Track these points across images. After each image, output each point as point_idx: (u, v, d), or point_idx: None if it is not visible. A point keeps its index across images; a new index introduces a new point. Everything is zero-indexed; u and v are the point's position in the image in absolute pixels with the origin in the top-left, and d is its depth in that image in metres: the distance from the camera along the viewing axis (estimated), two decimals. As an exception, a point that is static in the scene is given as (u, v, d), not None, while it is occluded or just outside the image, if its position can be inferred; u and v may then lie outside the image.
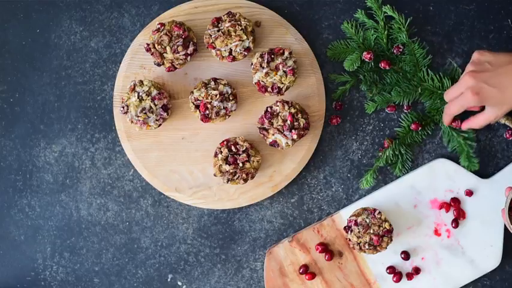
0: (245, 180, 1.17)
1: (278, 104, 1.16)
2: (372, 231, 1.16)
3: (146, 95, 1.15)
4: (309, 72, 1.22)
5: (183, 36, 1.15)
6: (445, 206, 1.22)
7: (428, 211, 1.23)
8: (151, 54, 1.16)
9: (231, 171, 1.16)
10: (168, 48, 1.15)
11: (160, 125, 1.18)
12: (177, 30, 1.15)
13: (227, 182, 1.17)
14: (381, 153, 1.23)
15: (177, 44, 1.15)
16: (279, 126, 1.16)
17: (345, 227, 1.20)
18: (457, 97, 1.12)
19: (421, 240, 1.23)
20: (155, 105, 1.16)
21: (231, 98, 1.17)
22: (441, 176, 1.23)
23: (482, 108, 1.15)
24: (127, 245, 1.26)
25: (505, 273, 1.26)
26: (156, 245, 1.26)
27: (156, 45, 1.15)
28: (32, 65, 1.25)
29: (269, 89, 1.17)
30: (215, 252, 1.26)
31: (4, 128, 1.26)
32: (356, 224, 1.17)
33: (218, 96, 1.16)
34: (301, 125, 1.16)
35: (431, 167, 1.24)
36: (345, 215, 1.23)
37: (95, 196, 1.26)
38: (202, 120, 1.17)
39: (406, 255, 1.22)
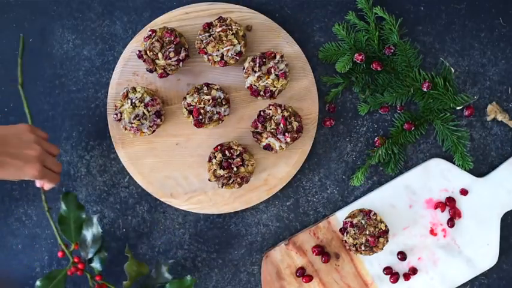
0: (240, 185, 1.17)
1: (271, 107, 1.17)
2: (367, 233, 1.17)
3: (139, 101, 1.16)
4: (301, 75, 1.22)
5: (174, 42, 1.16)
6: (441, 205, 1.23)
7: (424, 211, 1.23)
8: (144, 61, 1.17)
9: (225, 175, 1.16)
10: (159, 55, 1.16)
11: (154, 131, 1.18)
12: (169, 36, 1.15)
13: (222, 186, 1.17)
14: (373, 153, 1.23)
15: (169, 50, 1.16)
16: (272, 130, 1.16)
17: (340, 229, 1.20)
18: None
19: (417, 240, 1.23)
20: (148, 111, 1.16)
21: (223, 103, 1.17)
22: (436, 176, 1.23)
23: None
24: (124, 251, 1.26)
25: (502, 271, 1.26)
26: (153, 251, 1.26)
27: (148, 51, 1.16)
28: (26, 74, 1.25)
29: (262, 93, 1.17)
30: (212, 257, 1.26)
31: (-1, 137, 1.26)
32: (352, 225, 1.17)
33: (211, 101, 1.16)
34: (295, 128, 1.16)
35: (425, 166, 1.24)
36: (340, 216, 1.24)
37: (91, 204, 1.26)
38: (195, 126, 1.17)
39: (402, 255, 1.22)
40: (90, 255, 1.21)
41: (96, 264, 1.21)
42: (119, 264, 1.26)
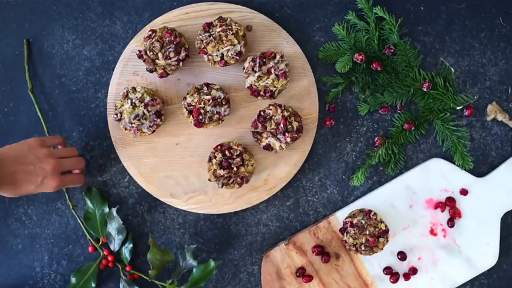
0: (240, 185, 1.17)
1: (271, 107, 1.17)
2: (367, 233, 1.17)
3: (139, 101, 1.16)
4: (301, 75, 1.22)
5: (174, 42, 1.16)
6: (441, 205, 1.23)
7: (424, 211, 1.23)
8: (144, 61, 1.17)
9: (225, 175, 1.16)
10: (160, 55, 1.16)
11: (154, 131, 1.18)
12: (169, 36, 1.15)
13: (222, 186, 1.17)
14: (373, 153, 1.23)
15: (169, 50, 1.16)
16: (272, 130, 1.16)
17: (340, 229, 1.20)
18: None
19: (417, 240, 1.23)
20: (148, 111, 1.16)
21: (223, 103, 1.17)
22: (436, 176, 1.23)
23: None
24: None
25: (502, 271, 1.26)
26: (153, 250, 1.26)
27: (148, 51, 1.16)
28: (25, 74, 1.25)
29: (262, 93, 1.17)
30: (212, 257, 1.26)
31: (-1, 137, 1.26)
32: (352, 225, 1.17)
33: (211, 101, 1.16)
34: (295, 128, 1.16)
35: (426, 166, 1.24)
36: (340, 216, 1.24)
37: (91, 203, 1.26)
38: (195, 126, 1.17)
39: (402, 255, 1.22)
40: (117, 247, 1.23)
41: (124, 255, 1.23)
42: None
